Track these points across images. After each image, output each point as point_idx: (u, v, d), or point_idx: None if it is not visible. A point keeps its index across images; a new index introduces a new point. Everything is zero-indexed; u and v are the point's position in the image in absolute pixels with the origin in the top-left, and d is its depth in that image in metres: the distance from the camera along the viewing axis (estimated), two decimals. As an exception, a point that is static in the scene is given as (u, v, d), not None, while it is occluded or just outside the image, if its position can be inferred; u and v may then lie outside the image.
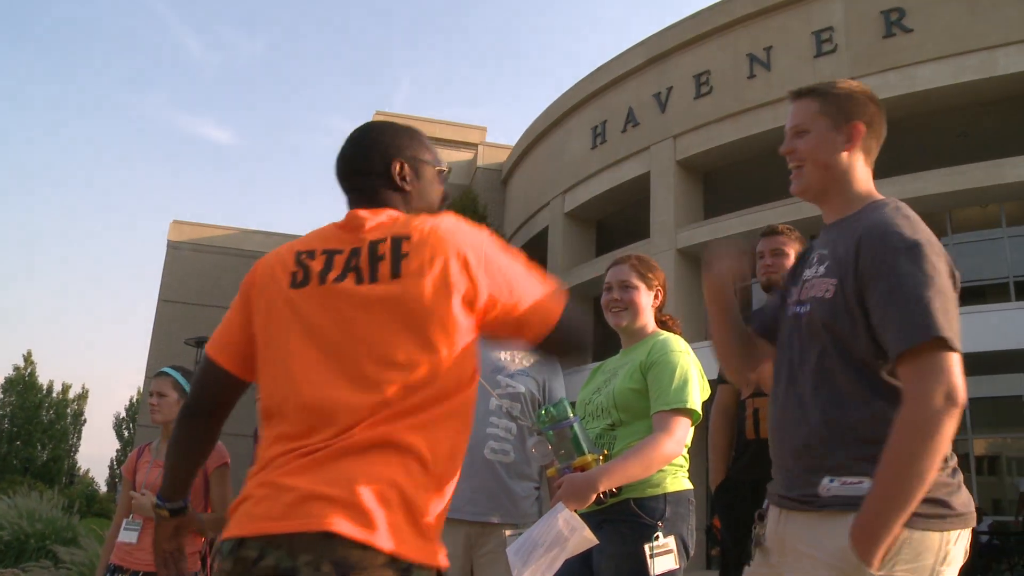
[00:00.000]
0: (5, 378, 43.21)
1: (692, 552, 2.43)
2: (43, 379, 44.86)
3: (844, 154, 1.77)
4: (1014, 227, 15.30)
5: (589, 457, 2.30)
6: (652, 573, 2.28)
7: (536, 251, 22.36)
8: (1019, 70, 13.74)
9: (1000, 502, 15.17)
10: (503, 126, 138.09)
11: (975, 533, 1.62)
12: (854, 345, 1.61)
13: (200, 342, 20.49)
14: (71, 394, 46.07)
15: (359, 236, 1.49)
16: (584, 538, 2.14)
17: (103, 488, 43.50)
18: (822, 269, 1.72)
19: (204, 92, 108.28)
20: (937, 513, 1.52)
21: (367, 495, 1.29)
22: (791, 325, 1.77)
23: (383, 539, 1.27)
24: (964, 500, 1.57)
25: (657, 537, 2.33)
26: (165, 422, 3.36)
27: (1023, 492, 14.32)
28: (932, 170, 14.45)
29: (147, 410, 3.85)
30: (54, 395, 44.98)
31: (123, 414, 48.18)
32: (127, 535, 3.33)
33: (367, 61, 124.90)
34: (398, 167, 1.60)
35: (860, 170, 1.79)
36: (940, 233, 15.86)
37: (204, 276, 31.33)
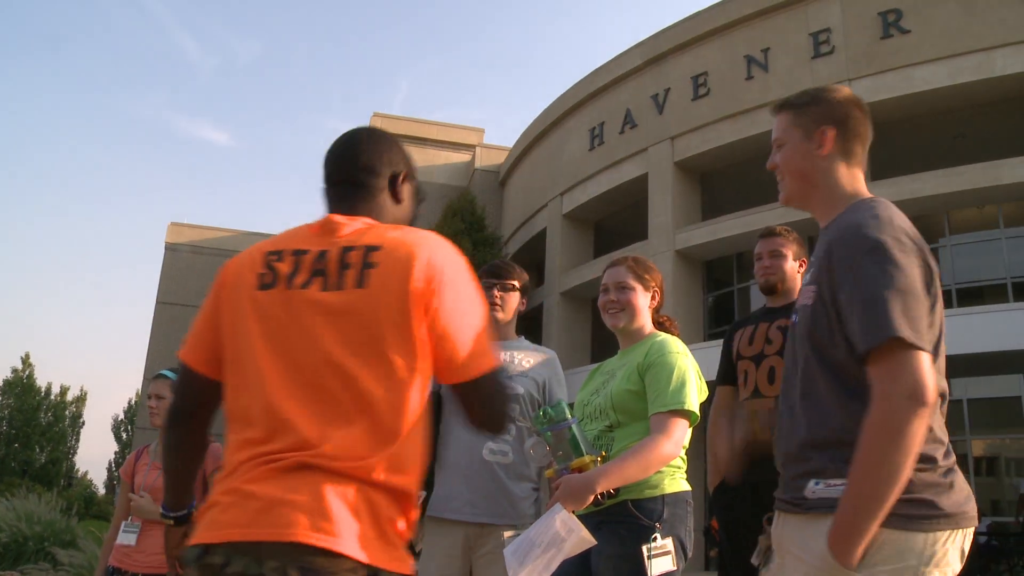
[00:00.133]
0: (3, 380, 43.03)
1: (690, 553, 2.44)
2: (41, 381, 44.66)
3: (819, 161, 1.79)
4: (1012, 228, 15.29)
5: (587, 458, 2.30)
6: (650, 574, 2.28)
7: (534, 253, 22.37)
8: (1016, 71, 13.75)
9: (999, 503, 15.15)
10: (501, 128, 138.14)
11: (974, 534, 1.62)
12: (832, 350, 1.62)
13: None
14: (69, 396, 45.89)
15: (331, 240, 1.49)
16: (581, 539, 2.14)
17: (102, 490, 43.34)
18: (808, 276, 1.75)
19: (202, 94, 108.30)
20: (922, 514, 1.51)
21: (334, 502, 1.29)
22: (789, 335, 1.81)
23: (349, 546, 1.27)
24: (956, 501, 1.55)
25: (655, 538, 2.33)
26: (164, 424, 3.36)
27: (1023, 493, 14.33)
28: (929, 171, 14.43)
29: (145, 412, 3.85)
30: (52, 397, 44.79)
31: (121, 416, 48.05)
32: (126, 537, 3.33)
33: (365, 63, 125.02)
34: (401, 177, 1.62)
35: (841, 174, 1.79)
36: (938, 234, 15.92)
37: (202, 278, 31.31)
